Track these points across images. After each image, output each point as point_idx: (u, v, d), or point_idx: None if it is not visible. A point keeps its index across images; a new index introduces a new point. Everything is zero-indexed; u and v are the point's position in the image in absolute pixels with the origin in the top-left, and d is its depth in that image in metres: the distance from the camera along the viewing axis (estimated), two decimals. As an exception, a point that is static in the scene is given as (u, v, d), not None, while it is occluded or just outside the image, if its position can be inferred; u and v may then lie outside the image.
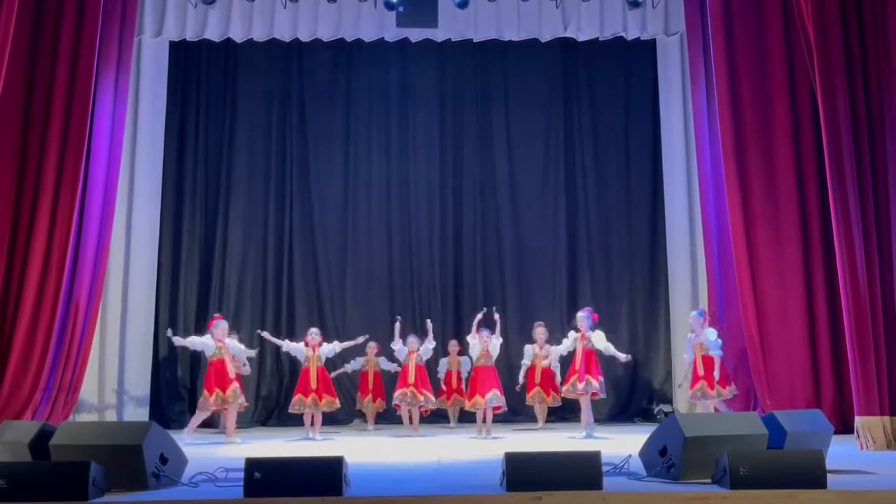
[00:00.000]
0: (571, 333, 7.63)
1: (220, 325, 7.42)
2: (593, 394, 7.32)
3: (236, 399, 7.25)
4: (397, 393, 7.68)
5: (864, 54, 6.50)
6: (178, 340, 7.56)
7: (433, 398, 7.79)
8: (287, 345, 7.79)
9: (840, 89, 6.40)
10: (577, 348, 7.45)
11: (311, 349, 7.55)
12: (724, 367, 7.32)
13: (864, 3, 6.55)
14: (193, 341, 7.54)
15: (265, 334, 8.00)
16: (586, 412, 7.36)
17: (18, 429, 4.74)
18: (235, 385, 7.27)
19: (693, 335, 7.45)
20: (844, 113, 6.38)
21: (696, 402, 7.46)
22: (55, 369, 7.27)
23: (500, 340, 7.68)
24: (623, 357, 7.49)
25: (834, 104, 6.39)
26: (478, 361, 7.49)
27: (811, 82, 6.75)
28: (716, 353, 7.26)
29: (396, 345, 7.85)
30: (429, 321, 8.10)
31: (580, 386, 7.28)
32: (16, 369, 7.05)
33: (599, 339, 7.43)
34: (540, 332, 8.19)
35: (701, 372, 7.26)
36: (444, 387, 8.23)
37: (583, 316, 7.52)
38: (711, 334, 7.34)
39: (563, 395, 7.73)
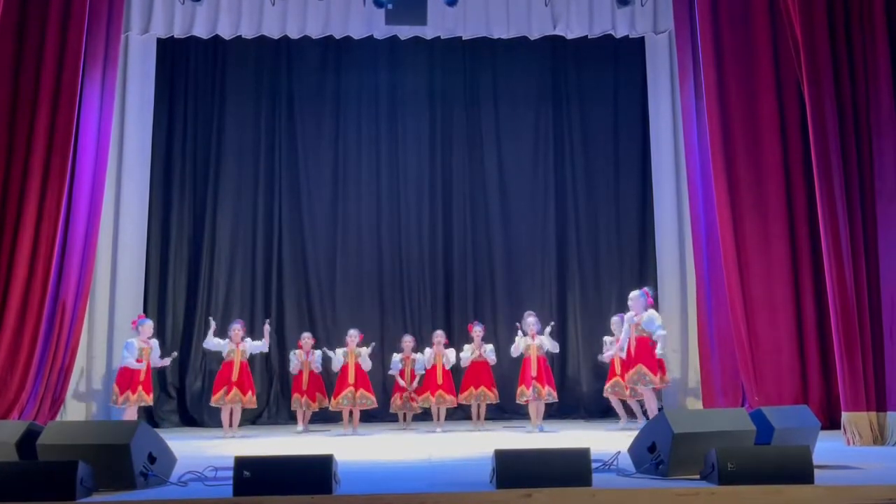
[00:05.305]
0: (626, 317, 7.47)
1: (145, 324, 7.71)
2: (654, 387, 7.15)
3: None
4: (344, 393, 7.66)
5: (851, 51, 6.52)
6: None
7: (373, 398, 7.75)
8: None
9: (827, 86, 6.41)
10: (631, 336, 7.29)
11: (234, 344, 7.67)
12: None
13: (852, 0, 6.59)
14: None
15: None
16: (651, 401, 7.24)
17: (5, 428, 4.69)
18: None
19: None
20: (831, 110, 6.40)
21: (630, 385, 7.30)
22: (42, 369, 7.22)
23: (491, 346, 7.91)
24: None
25: (821, 101, 6.41)
26: (472, 354, 7.56)
27: (798, 80, 6.78)
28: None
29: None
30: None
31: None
32: (2, 369, 6.99)
33: (650, 322, 7.21)
34: (531, 321, 7.85)
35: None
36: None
37: (636, 294, 7.31)
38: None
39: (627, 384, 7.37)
